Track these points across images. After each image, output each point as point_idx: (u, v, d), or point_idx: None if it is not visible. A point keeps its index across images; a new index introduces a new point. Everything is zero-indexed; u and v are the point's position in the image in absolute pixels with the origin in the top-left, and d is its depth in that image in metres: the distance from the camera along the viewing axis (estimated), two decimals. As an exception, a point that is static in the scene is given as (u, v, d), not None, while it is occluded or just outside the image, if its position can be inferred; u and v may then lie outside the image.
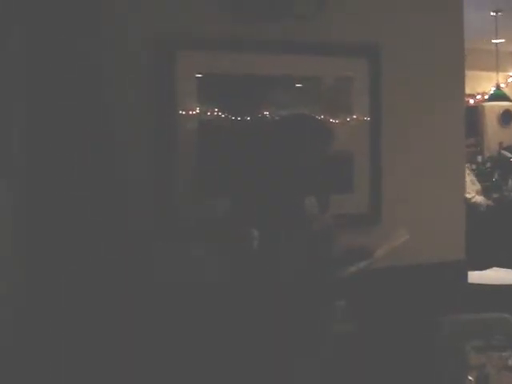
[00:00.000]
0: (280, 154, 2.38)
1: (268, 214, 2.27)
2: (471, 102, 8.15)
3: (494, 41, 7.12)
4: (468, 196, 5.56)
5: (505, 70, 8.21)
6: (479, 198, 6.28)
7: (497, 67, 7.45)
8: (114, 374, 2.60)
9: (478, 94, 8.29)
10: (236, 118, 2.89)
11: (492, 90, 7.80)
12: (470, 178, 6.05)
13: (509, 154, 8.22)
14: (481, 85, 8.18)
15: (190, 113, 2.82)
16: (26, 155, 2.51)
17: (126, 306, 2.67)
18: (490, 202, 6.42)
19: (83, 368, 2.56)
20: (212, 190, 2.84)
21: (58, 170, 2.65)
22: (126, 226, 2.73)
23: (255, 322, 2.29)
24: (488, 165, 7.88)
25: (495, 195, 6.80)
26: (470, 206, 5.41)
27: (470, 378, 2.15)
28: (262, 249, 2.23)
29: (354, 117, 3.11)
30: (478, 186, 6.42)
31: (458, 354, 2.30)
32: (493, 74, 7.61)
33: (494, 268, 4.64)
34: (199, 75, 2.84)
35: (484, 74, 7.87)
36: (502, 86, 8.02)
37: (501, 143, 8.44)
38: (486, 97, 8.04)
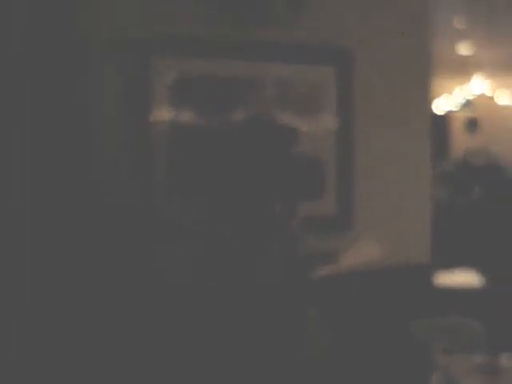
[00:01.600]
0: (243, 157, 2.41)
1: (232, 218, 2.29)
2: (438, 109, 8.29)
3: (461, 50, 7.25)
4: None
5: (471, 79, 8.37)
6: None
7: (464, 76, 7.59)
8: (106, 374, 2.60)
9: (445, 101, 8.43)
10: (209, 122, 2.90)
11: (459, 98, 7.95)
12: None
13: (474, 161, 8.38)
14: (448, 93, 8.33)
15: (164, 116, 2.82)
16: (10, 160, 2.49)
17: (104, 308, 2.67)
18: None
19: (76, 369, 2.56)
20: (185, 193, 2.85)
21: (38, 172, 2.63)
22: (99, 228, 2.72)
23: (222, 326, 2.30)
24: (454, 171, 8.02)
25: (460, 201, 6.92)
26: None
27: (435, 380, 2.20)
28: (225, 253, 2.24)
29: (324, 121, 3.15)
30: None
31: (424, 357, 2.34)
32: (460, 83, 7.75)
33: (459, 271, 4.73)
34: (172, 78, 2.84)
35: (451, 82, 8.02)
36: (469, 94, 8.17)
37: (466, 150, 8.60)
38: (454, 105, 8.19)
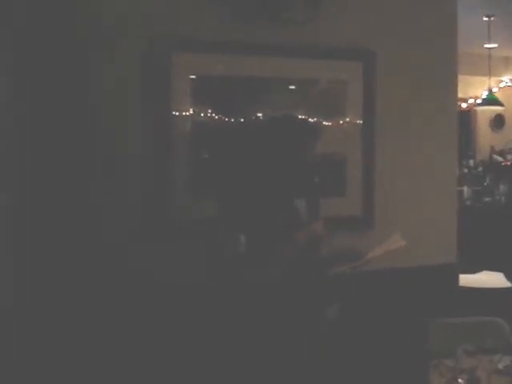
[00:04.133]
0: (267, 155, 2.39)
1: (257, 216, 2.27)
2: (463, 106, 8.18)
3: (486, 45, 7.14)
4: None
5: (497, 75, 8.24)
6: None
7: (489, 72, 7.47)
8: (105, 374, 2.60)
9: (471, 98, 8.32)
10: (229, 120, 2.89)
11: (484, 94, 7.83)
12: None
13: (500, 159, 8.25)
14: (473, 89, 8.21)
15: (184, 114, 2.82)
16: (22, 157, 2.51)
17: (115, 307, 2.67)
18: None
19: (74, 369, 2.56)
20: (205, 191, 2.84)
21: (54, 171, 2.65)
22: (117, 227, 2.73)
23: (243, 325, 2.29)
24: (480, 169, 7.91)
25: (487, 199, 6.82)
26: None
27: (461, 380, 2.16)
28: (250, 252, 2.22)
29: (348, 120, 3.12)
30: None
31: (448, 357, 2.30)
32: (485, 79, 7.63)
33: (485, 271, 4.66)
34: (193, 76, 2.84)
35: (476, 78, 7.90)
36: (495, 90, 8.04)
37: (492, 147, 8.47)
38: (479, 101, 8.07)
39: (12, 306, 2.41)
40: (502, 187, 6.92)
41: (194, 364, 2.62)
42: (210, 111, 2.86)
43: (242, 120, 2.91)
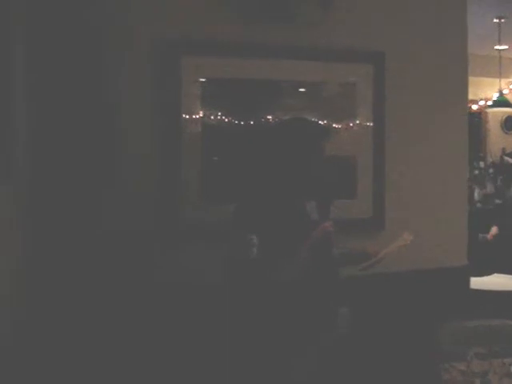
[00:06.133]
0: (278, 157, 2.39)
1: (269, 218, 2.27)
2: (474, 107, 8.15)
3: (496, 47, 7.11)
4: None
5: (508, 76, 8.21)
6: None
7: (500, 73, 7.45)
8: (113, 374, 2.61)
9: (481, 99, 8.29)
10: (239, 122, 2.90)
11: (495, 96, 7.80)
12: None
13: (511, 160, 8.21)
14: (484, 91, 8.19)
15: (194, 117, 2.82)
16: (28, 158, 2.51)
17: (127, 307, 2.68)
18: None
19: (82, 369, 2.57)
20: (215, 193, 2.85)
21: (61, 172, 2.66)
22: (128, 229, 2.74)
23: (253, 327, 2.29)
24: (491, 170, 7.87)
25: (498, 201, 6.79)
26: None
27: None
28: (261, 253, 2.22)
29: (358, 122, 3.12)
30: None
31: (460, 361, 2.29)
32: (496, 80, 7.61)
33: (496, 274, 4.64)
34: (203, 79, 2.85)
35: (487, 80, 7.88)
36: (505, 92, 8.01)
37: (503, 149, 8.43)
38: (489, 103, 8.04)
39: (20, 302, 2.42)
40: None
41: (202, 364, 2.62)
42: (219, 114, 2.86)
43: (251, 122, 2.91)
